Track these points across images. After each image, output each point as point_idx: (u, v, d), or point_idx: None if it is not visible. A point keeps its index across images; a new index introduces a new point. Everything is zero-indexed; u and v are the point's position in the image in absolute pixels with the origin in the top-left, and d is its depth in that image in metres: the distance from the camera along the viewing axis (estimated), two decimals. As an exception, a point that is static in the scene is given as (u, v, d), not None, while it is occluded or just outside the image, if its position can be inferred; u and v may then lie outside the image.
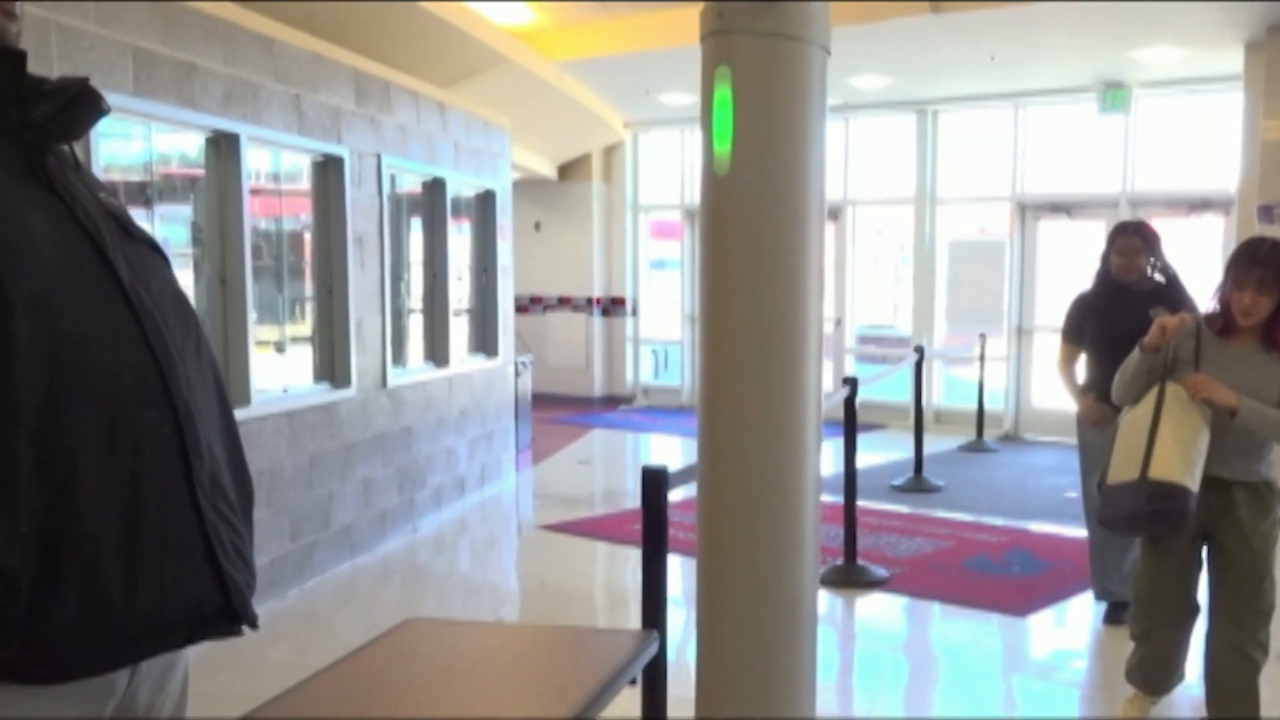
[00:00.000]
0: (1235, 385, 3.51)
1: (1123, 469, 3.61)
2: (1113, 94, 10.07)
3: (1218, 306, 3.66)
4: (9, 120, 1.44)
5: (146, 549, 1.42)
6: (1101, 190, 10.51)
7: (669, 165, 13.03)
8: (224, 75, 5.32)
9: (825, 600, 5.67)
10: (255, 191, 5.78)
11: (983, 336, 10.53)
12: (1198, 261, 8.59)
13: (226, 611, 1.52)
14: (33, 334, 1.34)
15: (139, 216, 4.89)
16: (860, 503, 6.27)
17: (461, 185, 8.26)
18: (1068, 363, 5.21)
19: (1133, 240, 5.03)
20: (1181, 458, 3.48)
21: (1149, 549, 3.80)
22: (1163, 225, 6.31)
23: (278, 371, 6.01)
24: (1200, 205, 10.06)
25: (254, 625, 1.56)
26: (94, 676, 1.41)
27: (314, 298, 6.41)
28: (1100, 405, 4.83)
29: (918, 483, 8.34)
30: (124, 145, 4.96)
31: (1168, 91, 10.07)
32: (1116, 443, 3.72)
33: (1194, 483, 3.49)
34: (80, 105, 1.51)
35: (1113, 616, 5.20)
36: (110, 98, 1.63)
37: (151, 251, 1.61)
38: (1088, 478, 5.05)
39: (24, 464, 1.32)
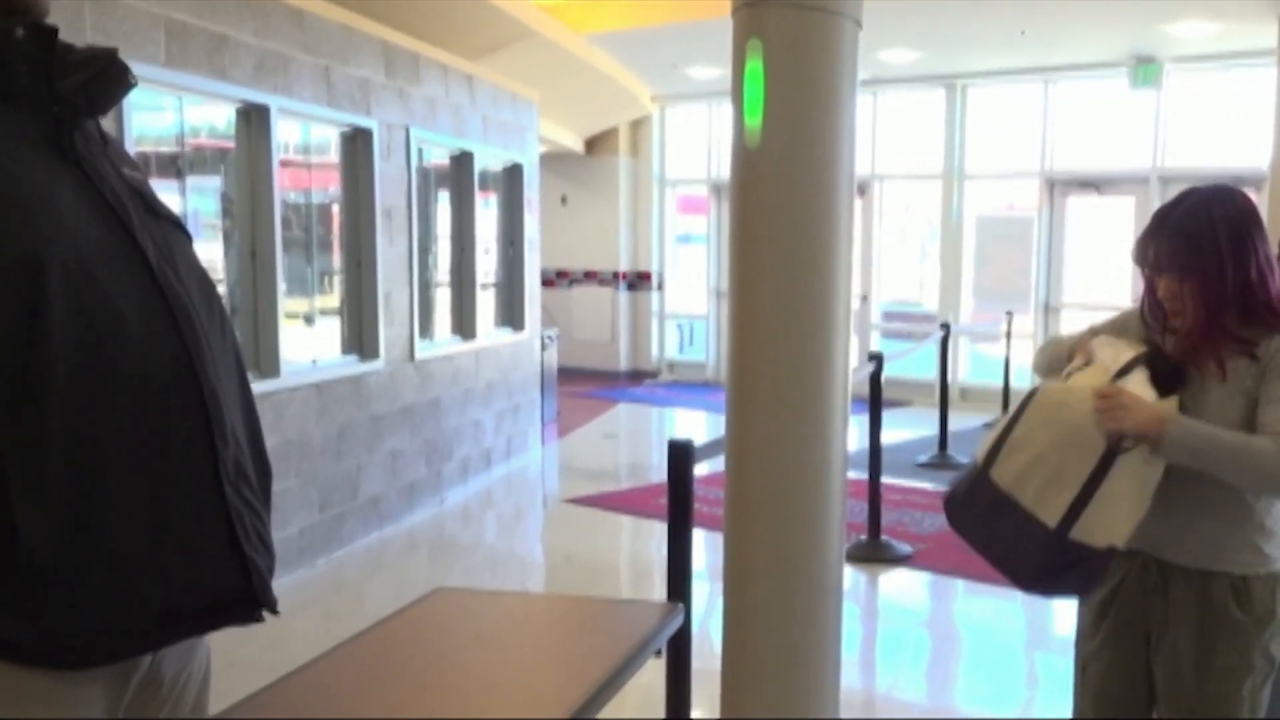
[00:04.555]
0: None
1: (1029, 485, 2.48)
2: (1144, 69, 9.96)
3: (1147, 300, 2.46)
4: (40, 96, 1.40)
5: (172, 537, 1.41)
6: (1132, 166, 10.42)
7: (696, 139, 12.97)
8: (255, 47, 5.34)
9: (849, 576, 5.68)
10: (285, 164, 5.80)
11: (1009, 313, 10.47)
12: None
13: (248, 597, 1.51)
14: (66, 317, 1.31)
15: (170, 188, 4.94)
16: (885, 479, 6.27)
17: (489, 158, 8.27)
18: None
19: None
20: (1129, 514, 2.30)
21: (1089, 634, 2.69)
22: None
23: (307, 343, 6.05)
24: (1233, 182, 9.92)
25: (274, 610, 1.55)
26: (118, 663, 1.41)
27: (342, 270, 6.45)
28: None
29: (943, 459, 8.33)
30: (156, 117, 4.99)
31: (1200, 66, 9.95)
32: (1029, 424, 2.59)
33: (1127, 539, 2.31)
34: (108, 79, 1.47)
35: None
36: (142, 69, 1.61)
37: (175, 229, 1.57)
38: None
39: (54, 453, 1.30)
